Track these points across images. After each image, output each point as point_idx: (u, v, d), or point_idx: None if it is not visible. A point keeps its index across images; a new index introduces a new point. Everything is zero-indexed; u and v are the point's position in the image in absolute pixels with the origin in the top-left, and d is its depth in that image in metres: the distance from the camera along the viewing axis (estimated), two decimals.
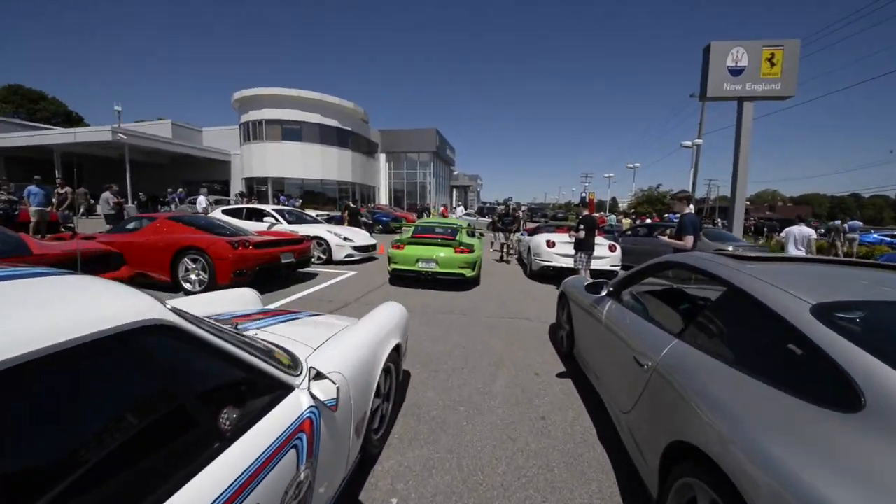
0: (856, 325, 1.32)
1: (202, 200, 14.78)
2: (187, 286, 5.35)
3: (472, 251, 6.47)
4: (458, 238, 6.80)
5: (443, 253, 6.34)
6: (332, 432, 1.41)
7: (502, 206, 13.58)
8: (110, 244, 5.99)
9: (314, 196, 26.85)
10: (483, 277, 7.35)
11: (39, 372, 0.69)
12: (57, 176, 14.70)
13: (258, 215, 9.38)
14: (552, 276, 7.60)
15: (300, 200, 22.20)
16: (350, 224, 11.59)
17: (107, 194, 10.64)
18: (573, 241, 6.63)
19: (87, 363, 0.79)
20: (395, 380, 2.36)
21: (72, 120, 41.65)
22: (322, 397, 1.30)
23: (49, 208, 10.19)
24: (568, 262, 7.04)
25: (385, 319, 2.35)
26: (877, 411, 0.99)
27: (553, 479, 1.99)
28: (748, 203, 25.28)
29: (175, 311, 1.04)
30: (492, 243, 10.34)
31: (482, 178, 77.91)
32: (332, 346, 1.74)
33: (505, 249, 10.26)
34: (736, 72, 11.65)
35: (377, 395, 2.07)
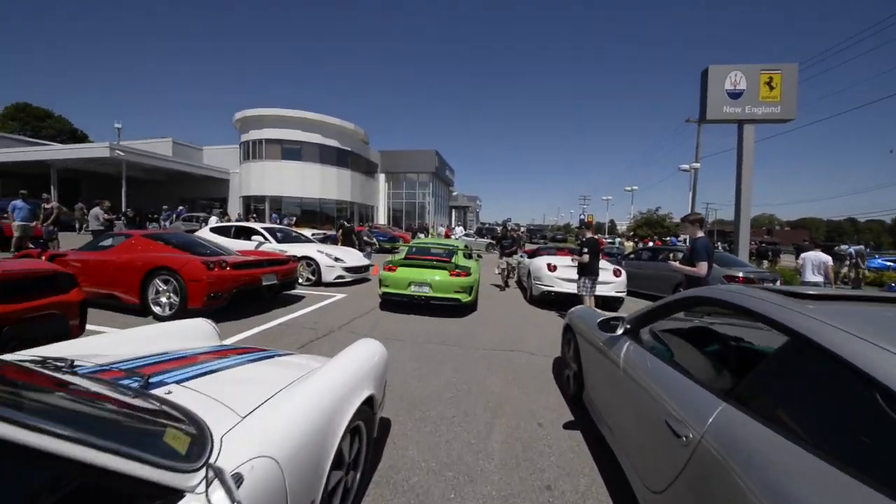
0: None
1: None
2: (157, 310, 4.90)
3: (468, 274, 6.05)
4: (454, 260, 6.34)
5: (437, 276, 5.91)
6: None
7: (500, 228, 13.16)
8: (81, 262, 5.60)
9: (312, 215, 26.68)
10: (481, 301, 6.90)
11: None
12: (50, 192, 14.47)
13: (247, 234, 9.04)
14: (554, 300, 7.17)
15: (294, 219, 21.92)
16: (344, 244, 11.19)
17: (97, 210, 10.35)
18: (576, 264, 6.26)
19: None
20: (366, 441, 1.90)
21: (77, 137, 41.88)
22: None
23: (34, 223, 9.87)
24: (571, 288, 6.61)
25: (355, 365, 1.91)
26: None
27: None
28: None
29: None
30: (497, 265, 9.76)
31: (481, 199, 78.40)
32: (269, 410, 1.30)
33: (505, 275, 9.65)
34: (735, 95, 11.63)
35: (338, 466, 1.61)
